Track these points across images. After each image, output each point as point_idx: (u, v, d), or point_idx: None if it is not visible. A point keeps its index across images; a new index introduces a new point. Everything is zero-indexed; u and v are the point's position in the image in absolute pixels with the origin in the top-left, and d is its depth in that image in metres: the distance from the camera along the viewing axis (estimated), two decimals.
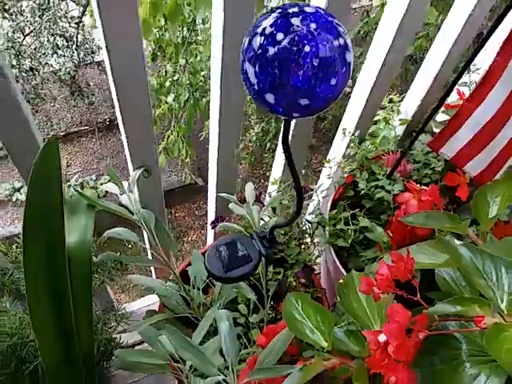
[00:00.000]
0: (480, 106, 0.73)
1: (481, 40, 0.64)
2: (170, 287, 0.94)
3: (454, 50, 0.88)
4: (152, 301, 1.23)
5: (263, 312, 0.94)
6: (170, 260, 0.91)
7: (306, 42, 0.42)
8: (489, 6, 0.71)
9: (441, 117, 1.04)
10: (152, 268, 1.19)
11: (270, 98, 0.46)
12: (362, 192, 0.97)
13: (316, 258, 0.98)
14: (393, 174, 0.95)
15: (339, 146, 1.08)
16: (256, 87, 0.46)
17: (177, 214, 5.25)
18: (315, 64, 0.43)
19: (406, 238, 0.87)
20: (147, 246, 1.01)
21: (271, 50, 0.43)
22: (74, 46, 4.31)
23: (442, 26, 0.89)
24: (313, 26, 0.43)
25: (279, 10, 0.44)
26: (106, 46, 0.61)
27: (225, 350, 0.62)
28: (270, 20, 0.44)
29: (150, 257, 1.00)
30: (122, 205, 0.87)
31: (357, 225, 0.95)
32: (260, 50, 0.44)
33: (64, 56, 4.39)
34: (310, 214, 1.03)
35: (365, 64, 0.92)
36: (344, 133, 1.01)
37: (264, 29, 0.44)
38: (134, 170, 0.83)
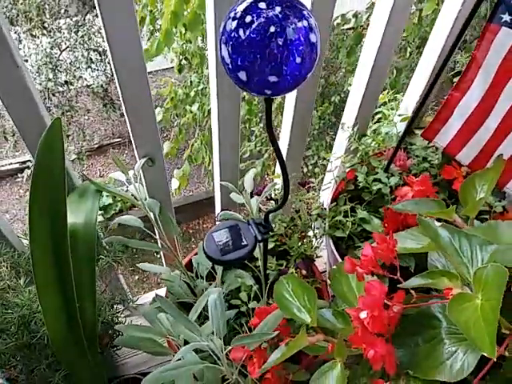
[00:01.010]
0: (465, 95, 0.76)
1: (458, 33, 0.67)
2: (176, 274, 0.99)
3: (448, 44, 0.91)
4: (161, 293, 1.28)
5: (263, 300, 0.97)
6: (175, 247, 0.96)
7: (271, 23, 0.47)
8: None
9: None
10: (163, 259, 1.24)
11: (242, 75, 0.50)
12: (361, 185, 0.99)
13: (315, 250, 1.01)
14: (389, 167, 0.97)
15: (341, 142, 1.11)
16: (230, 66, 0.50)
17: (204, 225, 5.30)
18: (280, 43, 0.47)
19: (399, 228, 0.89)
20: (157, 236, 1.06)
21: (241, 32, 0.48)
22: (107, 60, 4.50)
23: (436, 21, 0.92)
24: (278, 9, 0.47)
25: None
26: (107, 38, 0.68)
27: (211, 318, 0.66)
28: (242, 5, 0.49)
29: (159, 245, 1.05)
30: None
31: (355, 217, 0.98)
32: (233, 33, 0.49)
33: (97, 70, 4.59)
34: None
35: (359, 61, 0.96)
36: (343, 127, 1.04)
37: (236, 13, 0.49)
38: (139, 159, 0.89)
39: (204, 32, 2.17)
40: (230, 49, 0.49)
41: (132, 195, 0.91)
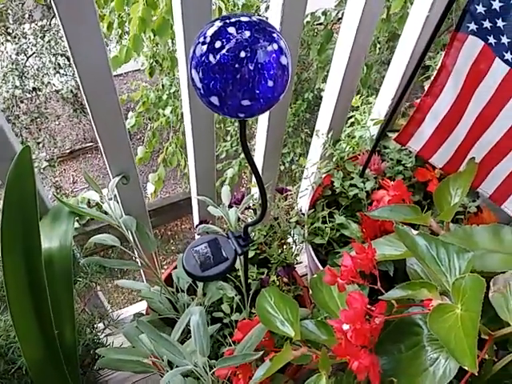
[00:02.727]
0: (437, 100, 0.77)
1: (429, 38, 0.68)
2: (155, 290, 0.98)
3: (418, 48, 0.92)
4: (142, 307, 1.27)
5: (246, 311, 0.97)
6: (153, 263, 0.95)
7: (241, 48, 0.46)
8: (443, 5, 0.74)
9: None
10: (142, 274, 1.23)
11: (215, 100, 0.50)
12: (338, 190, 1.00)
13: (296, 257, 1.01)
14: (365, 171, 0.98)
15: (316, 149, 1.11)
16: (202, 91, 0.50)
17: (183, 226, 5.25)
18: (251, 68, 0.47)
19: (377, 233, 0.90)
20: (135, 253, 1.05)
21: (211, 57, 0.47)
22: None
23: (404, 26, 0.93)
24: (247, 33, 0.47)
25: (219, 20, 0.49)
26: (72, 55, 0.67)
27: (193, 339, 0.66)
28: (212, 30, 0.48)
29: (138, 263, 1.03)
30: (105, 212, 0.91)
31: (334, 222, 0.98)
32: (203, 58, 0.48)
33: (66, 75, 4.49)
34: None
35: (331, 66, 0.96)
36: (317, 134, 1.05)
37: (205, 38, 0.48)
38: (113, 178, 0.87)
39: (173, 36, 2.15)
40: (200, 74, 0.48)
41: (107, 213, 0.89)
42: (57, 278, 0.75)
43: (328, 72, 1.00)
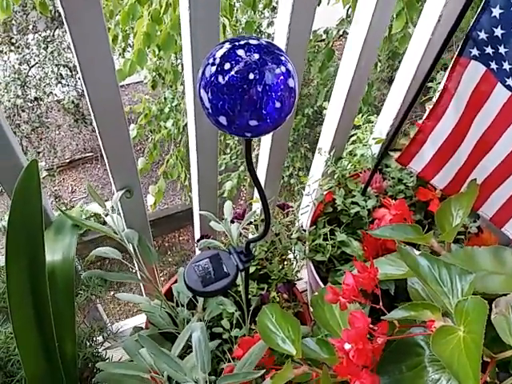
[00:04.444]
0: (439, 123, 0.78)
1: (432, 63, 0.70)
2: (155, 304, 0.98)
3: (420, 69, 0.94)
4: (141, 320, 1.26)
5: (246, 327, 0.97)
6: (154, 277, 0.95)
7: (250, 70, 0.47)
8: (446, 28, 0.75)
9: None
10: (142, 288, 1.23)
11: (223, 120, 0.50)
12: (339, 208, 1.01)
13: (296, 273, 1.01)
14: (366, 190, 0.99)
15: (318, 166, 1.12)
16: (210, 111, 0.51)
17: (181, 238, 5.23)
18: (259, 89, 0.48)
19: (378, 252, 0.90)
20: (136, 267, 1.05)
21: (220, 79, 0.48)
22: (78, 76, 4.45)
23: (408, 46, 0.95)
24: (256, 56, 0.48)
25: (228, 43, 0.50)
26: (80, 69, 0.68)
27: (195, 356, 0.66)
28: (221, 51, 0.49)
29: (139, 276, 1.03)
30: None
31: (335, 239, 0.99)
32: (212, 79, 0.49)
33: (68, 85, 4.53)
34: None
35: (335, 85, 0.98)
36: (320, 152, 1.06)
37: (215, 59, 0.49)
38: (116, 191, 0.88)
39: (177, 50, 2.17)
40: (209, 94, 0.49)
41: (109, 226, 0.90)
42: (59, 290, 0.75)
43: (329, 89, 1.02)
